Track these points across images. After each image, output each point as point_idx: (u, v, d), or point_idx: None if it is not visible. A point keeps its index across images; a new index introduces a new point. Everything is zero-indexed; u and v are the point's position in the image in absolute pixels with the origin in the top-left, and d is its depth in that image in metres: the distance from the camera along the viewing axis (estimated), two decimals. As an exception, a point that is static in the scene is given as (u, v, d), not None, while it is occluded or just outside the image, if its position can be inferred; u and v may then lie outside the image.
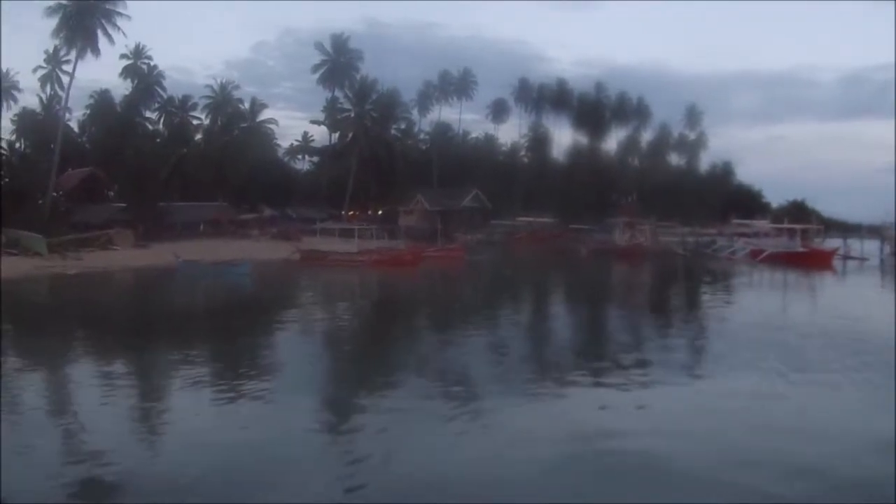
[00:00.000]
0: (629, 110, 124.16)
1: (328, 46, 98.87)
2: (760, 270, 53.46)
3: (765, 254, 59.90)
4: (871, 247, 71.93)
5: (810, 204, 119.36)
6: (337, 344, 21.40)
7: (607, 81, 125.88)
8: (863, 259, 64.81)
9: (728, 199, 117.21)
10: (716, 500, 9.13)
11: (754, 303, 34.10)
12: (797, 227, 67.11)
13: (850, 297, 37.98)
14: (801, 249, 59.95)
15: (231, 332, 22.36)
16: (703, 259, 65.05)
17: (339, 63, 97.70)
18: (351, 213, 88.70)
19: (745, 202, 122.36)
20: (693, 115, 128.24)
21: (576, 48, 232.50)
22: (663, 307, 33.14)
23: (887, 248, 69.73)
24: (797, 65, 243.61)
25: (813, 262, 55.56)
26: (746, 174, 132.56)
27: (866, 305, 32.87)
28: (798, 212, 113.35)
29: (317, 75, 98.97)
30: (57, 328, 22.49)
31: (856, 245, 71.20)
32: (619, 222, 74.13)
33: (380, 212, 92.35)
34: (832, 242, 68.57)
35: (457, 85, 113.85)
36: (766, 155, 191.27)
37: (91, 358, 18.17)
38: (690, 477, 9.80)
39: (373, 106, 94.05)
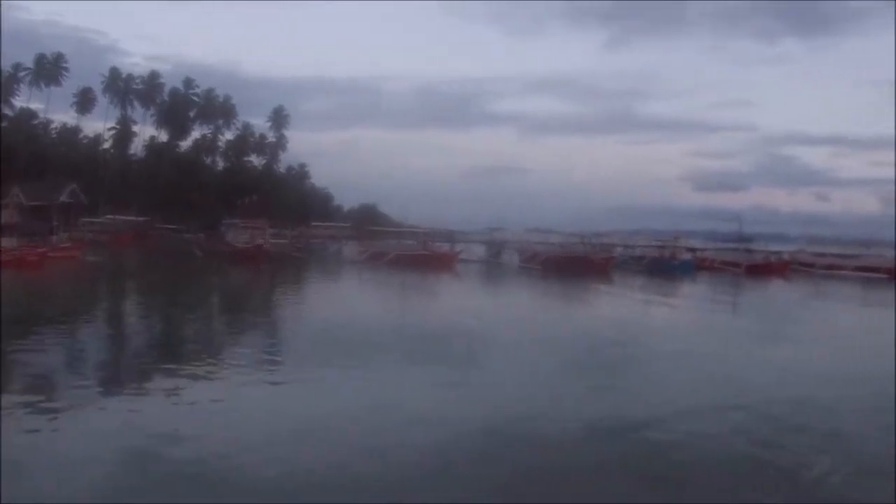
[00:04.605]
0: (215, 109, 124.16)
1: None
2: (385, 272, 56.07)
3: (389, 256, 64.46)
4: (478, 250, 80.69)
5: (382, 208, 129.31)
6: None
7: (180, 79, 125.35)
8: (478, 261, 72.52)
9: (303, 202, 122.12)
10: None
11: (362, 302, 36.82)
12: (420, 230, 73.01)
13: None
14: (425, 252, 65.49)
15: None
16: (326, 262, 68.14)
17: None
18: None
19: (319, 204, 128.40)
20: (279, 117, 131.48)
21: (151, 42, 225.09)
22: (283, 311, 32.75)
23: (493, 252, 78.95)
24: (371, 74, 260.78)
25: (437, 264, 61.08)
26: (319, 177, 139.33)
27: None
28: (369, 215, 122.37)
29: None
30: None
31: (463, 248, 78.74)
32: (235, 223, 74.33)
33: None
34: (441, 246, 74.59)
35: (48, 70, 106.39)
36: (338, 159, 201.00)
37: None
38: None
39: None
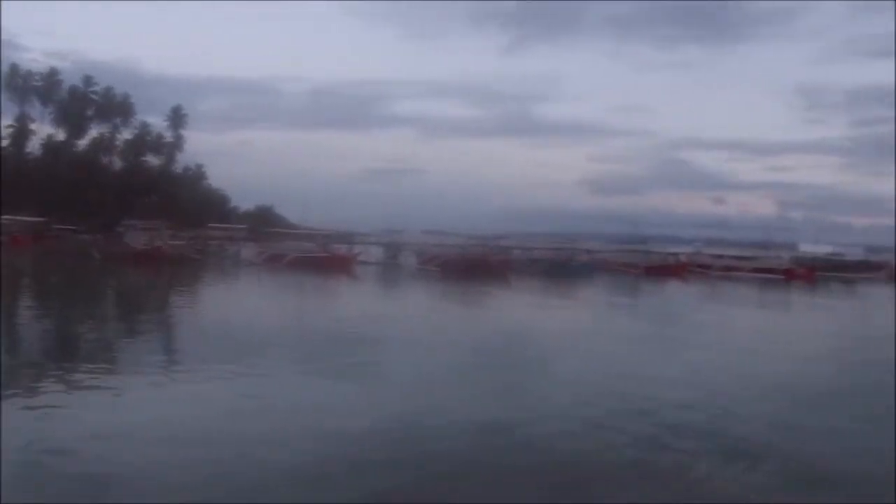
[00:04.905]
0: (113, 107, 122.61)
1: None
2: (283, 274, 57.09)
3: (288, 258, 65.45)
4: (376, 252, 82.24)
5: (279, 210, 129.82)
6: None
7: (79, 76, 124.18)
8: (376, 263, 74.04)
9: (200, 203, 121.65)
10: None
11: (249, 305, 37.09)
12: (319, 232, 74.11)
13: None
14: (324, 254, 66.69)
15: None
16: (224, 264, 68.68)
17: None
18: None
19: (216, 206, 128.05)
20: (177, 117, 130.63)
21: (50, 38, 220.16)
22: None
23: (391, 254, 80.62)
24: (269, 74, 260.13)
25: (336, 266, 62.46)
26: (216, 178, 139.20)
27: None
28: (265, 217, 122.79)
29: None
30: None
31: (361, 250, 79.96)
32: (134, 224, 74.11)
33: None
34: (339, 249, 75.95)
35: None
36: (234, 160, 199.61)
37: None
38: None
39: None
